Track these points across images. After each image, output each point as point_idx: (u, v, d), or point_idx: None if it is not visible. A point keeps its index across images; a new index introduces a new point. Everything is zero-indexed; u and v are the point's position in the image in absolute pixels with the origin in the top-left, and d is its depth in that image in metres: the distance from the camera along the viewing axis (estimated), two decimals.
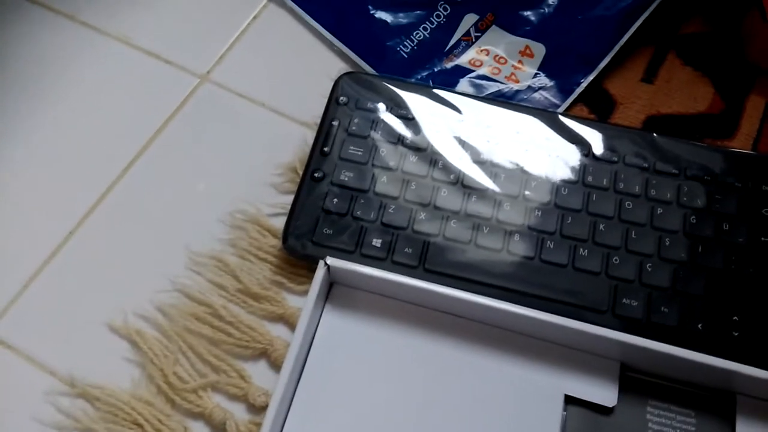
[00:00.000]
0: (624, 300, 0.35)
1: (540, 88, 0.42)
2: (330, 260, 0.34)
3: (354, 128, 0.39)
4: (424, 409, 0.32)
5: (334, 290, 0.35)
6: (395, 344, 0.34)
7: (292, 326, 0.36)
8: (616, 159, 0.38)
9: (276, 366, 0.35)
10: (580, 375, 0.33)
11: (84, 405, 0.34)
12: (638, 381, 0.33)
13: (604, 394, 0.33)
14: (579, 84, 0.42)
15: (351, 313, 0.35)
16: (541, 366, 0.33)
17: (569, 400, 0.33)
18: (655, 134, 0.39)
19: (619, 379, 0.33)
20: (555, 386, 0.33)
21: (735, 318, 0.34)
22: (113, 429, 0.33)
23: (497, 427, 0.32)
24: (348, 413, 0.32)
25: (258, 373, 0.34)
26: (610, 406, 0.32)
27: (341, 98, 0.40)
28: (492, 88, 0.42)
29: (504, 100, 0.42)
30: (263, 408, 0.33)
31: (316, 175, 0.38)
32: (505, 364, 0.33)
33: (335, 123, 0.40)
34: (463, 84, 0.43)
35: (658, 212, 0.37)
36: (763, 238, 0.36)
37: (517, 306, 0.33)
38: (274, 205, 0.39)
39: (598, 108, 0.42)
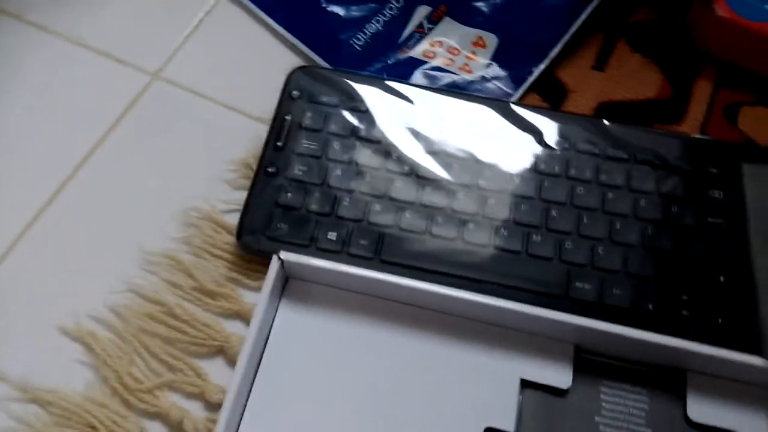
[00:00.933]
0: (577, 284, 0.35)
1: (493, 78, 0.43)
2: (283, 254, 0.33)
3: (307, 122, 0.39)
4: (382, 400, 0.33)
5: (289, 285, 0.35)
6: (352, 336, 0.34)
7: (248, 322, 0.35)
8: (567, 146, 0.39)
9: (233, 363, 0.34)
10: (535, 359, 0.33)
11: (36, 410, 0.33)
12: (592, 362, 0.34)
13: (559, 376, 0.33)
14: (531, 73, 0.43)
15: (307, 307, 0.34)
16: (496, 351, 0.34)
17: (525, 384, 0.33)
18: (605, 121, 0.40)
19: (574, 362, 0.33)
20: (511, 371, 0.33)
21: (684, 297, 0.35)
22: None
23: (456, 414, 0.32)
24: (306, 407, 0.32)
25: (215, 370, 0.34)
26: (565, 388, 0.33)
27: (294, 92, 0.40)
28: (446, 79, 0.43)
29: (457, 90, 0.42)
30: (220, 405, 0.33)
31: (269, 170, 0.38)
32: (461, 351, 0.34)
33: (288, 117, 0.39)
34: (417, 76, 0.43)
35: (609, 197, 0.37)
36: (709, 219, 0.37)
37: (471, 293, 0.33)
38: (228, 201, 0.39)
39: (550, 96, 0.43)
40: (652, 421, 0.32)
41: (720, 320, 0.34)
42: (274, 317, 0.34)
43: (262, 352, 0.33)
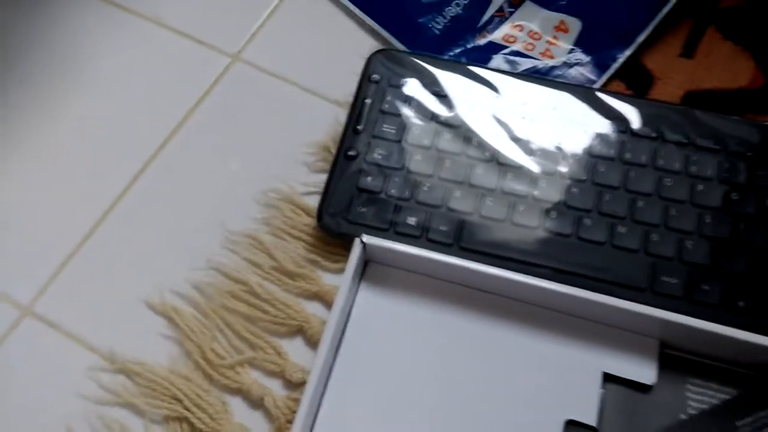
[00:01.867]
0: (663, 278, 0.34)
1: (576, 64, 0.42)
2: (366, 238, 0.33)
3: (387, 106, 0.39)
4: (459, 387, 0.32)
5: (369, 268, 0.35)
6: (431, 322, 0.34)
7: (327, 304, 0.36)
8: (654, 135, 0.38)
9: (312, 343, 0.35)
10: (618, 352, 0.33)
11: (124, 380, 0.34)
12: (678, 359, 0.33)
13: (643, 371, 0.32)
14: (616, 59, 0.41)
15: (386, 291, 0.34)
16: (578, 343, 0.33)
17: (608, 378, 0.32)
18: (694, 110, 0.38)
19: (659, 357, 0.32)
20: (593, 364, 0.32)
21: None
22: (153, 404, 0.33)
23: (535, 406, 0.32)
24: (384, 389, 0.32)
25: (294, 350, 0.35)
26: (650, 383, 0.32)
27: (374, 76, 0.40)
28: (526, 64, 0.42)
29: (539, 76, 0.41)
30: (300, 384, 0.33)
31: (349, 153, 0.38)
32: (542, 341, 0.33)
33: (368, 101, 0.39)
34: (497, 60, 0.42)
35: (699, 189, 0.36)
36: None
37: (554, 283, 0.32)
38: (308, 183, 0.39)
39: (635, 84, 0.41)
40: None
41: None
42: (354, 300, 0.34)
43: (342, 334, 0.33)
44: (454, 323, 0.34)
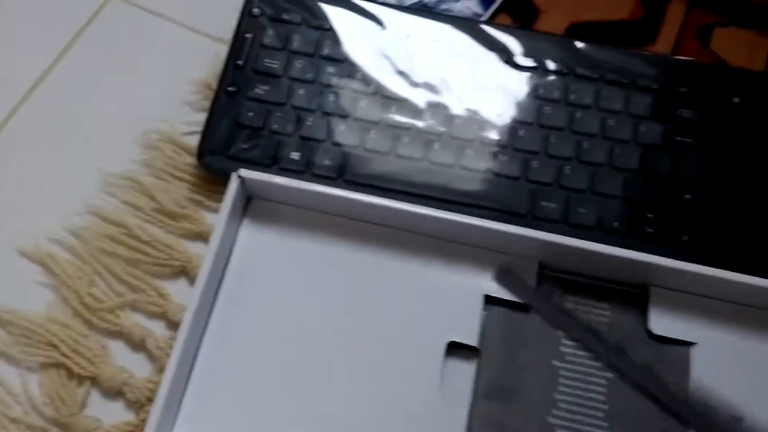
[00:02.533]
0: (543, 203, 0.35)
1: None
2: (243, 172, 0.33)
3: (268, 40, 0.38)
4: (345, 318, 0.33)
5: (252, 205, 0.35)
6: (315, 255, 0.34)
7: None
8: (536, 66, 0.38)
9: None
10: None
11: None
12: (555, 279, 0.34)
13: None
14: None
15: (269, 227, 0.34)
16: (460, 268, 0.34)
17: (489, 300, 0.33)
18: (575, 41, 0.39)
19: (537, 277, 0.33)
20: (474, 287, 0.33)
21: (650, 215, 0.35)
22: (28, 351, 0.32)
23: (419, 330, 0.32)
24: (269, 325, 0.32)
25: (178, 291, 0.34)
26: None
27: (254, 10, 0.39)
28: None
29: (425, 9, 0.41)
30: None
31: (230, 89, 0.37)
32: (424, 268, 0.34)
33: (249, 36, 0.38)
34: None
35: (577, 116, 0.37)
36: (678, 138, 0.36)
37: (434, 210, 0.33)
38: (190, 123, 0.38)
39: (520, 16, 0.42)
40: (613, 334, 0.33)
41: (685, 237, 0.34)
42: (236, 236, 0.34)
43: (224, 271, 0.33)
44: (338, 255, 0.34)
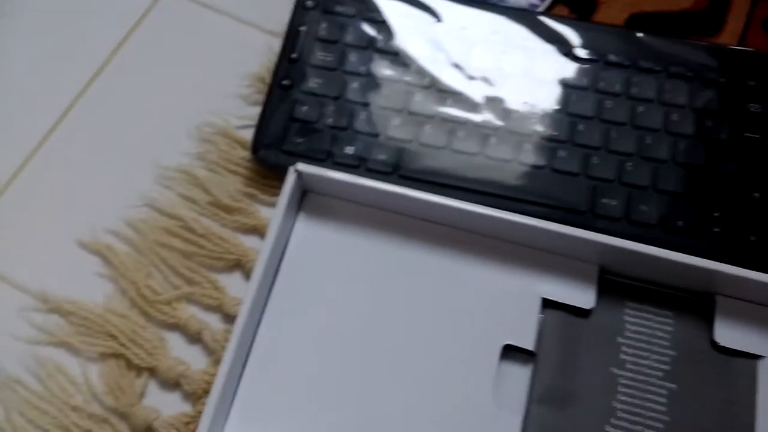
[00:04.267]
0: (603, 200, 0.34)
1: None
2: (300, 166, 0.32)
3: (322, 33, 0.38)
4: (399, 316, 0.32)
5: (307, 198, 0.34)
6: (370, 252, 0.33)
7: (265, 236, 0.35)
8: (596, 58, 0.37)
9: (250, 276, 0.34)
10: (558, 278, 0.32)
11: (58, 320, 0.33)
12: (617, 284, 0.33)
13: (582, 296, 0.32)
14: None
15: (325, 221, 0.34)
16: (518, 270, 0.33)
17: (547, 304, 0.32)
18: (637, 32, 0.38)
19: (598, 282, 0.32)
20: (532, 290, 0.32)
21: (716, 214, 0.33)
22: (88, 341, 0.32)
23: (474, 331, 0.32)
24: (322, 320, 0.32)
25: (232, 284, 0.34)
26: (588, 308, 0.32)
27: (308, 2, 0.38)
28: None
29: (480, 1, 0.40)
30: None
31: (284, 83, 0.37)
32: (481, 269, 0.33)
33: (303, 28, 0.38)
34: None
35: (640, 111, 0.36)
36: (746, 134, 0.35)
37: (492, 209, 0.32)
38: (243, 116, 0.38)
39: (579, 7, 0.40)
40: (676, 343, 0.31)
41: (752, 237, 0.33)
42: (291, 231, 0.34)
43: (279, 265, 0.33)
44: (392, 253, 0.33)
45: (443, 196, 0.32)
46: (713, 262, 0.30)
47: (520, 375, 0.31)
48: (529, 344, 0.31)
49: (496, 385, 0.31)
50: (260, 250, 0.34)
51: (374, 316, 0.32)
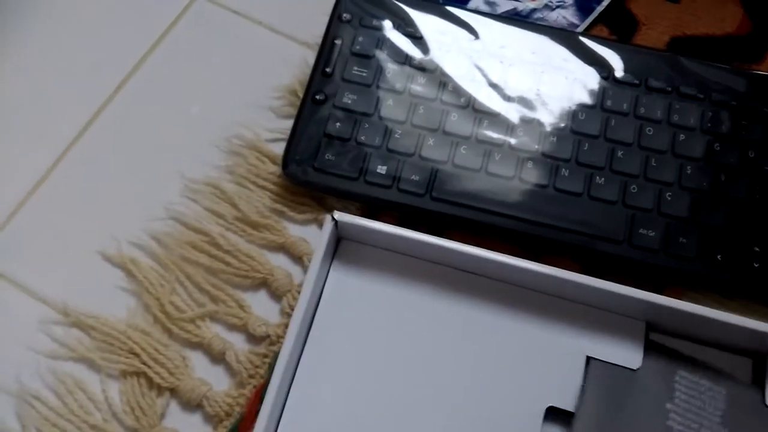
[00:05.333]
0: (641, 230, 0.33)
1: (558, 7, 0.39)
2: (338, 215, 0.31)
3: (358, 47, 0.37)
4: (435, 371, 0.30)
5: (342, 246, 0.33)
6: (406, 302, 0.32)
7: (292, 255, 0.34)
8: (637, 82, 0.36)
9: (276, 296, 0.33)
10: (603, 335, 0.31)
11: (79, 334, 0.33)
12: (662, 346, 0.31)
13: (628, 355, 0.30)
14: (599, 2, 0.39)
15: (360, 270, 0.32)
16: (561, 326, 0.31)
17: (591, 362, 0.30)
18: (679, 56, 0.37)
19: (645, 340, 0.31)
20: (576, 347, 0.31)
21: (756, 249, 0.32)
22: (109, 358, 0.32)
23: (515, 391, 0.30)
24: (357, 373, 0.30)
25: (258, 303, 0.33)
26: (635, 368, 0.30)
27: (344, 15, 0.38)
28: (506, 6, 0.40)
29: (519, 19, 0.39)
30: (263, 338, 0.32)
31: (317, 97, 0.36)
32: (522, 324, 0.31)
33: (338, 42, 0.37)
34: (476, 1, 0.40)
35: (680, 138, 0.35)
36: None
37: (534, 263, 0.30)
38: (274, 129, 0.37)
39: (619, 28, 0.39)
40: (729, 416, 0.29)
41: None
42: (326, 278, 0.32)
43: (314, 315, 0.31)
44: (430, 304, 0.32)
45: (481, 249, 0.31)
46: (763, 323, 0.29)
47: None
48: (573, 406, 0.30)
49: None
50: (288, 269, 0.34)
51: (410, 371, 0.30)
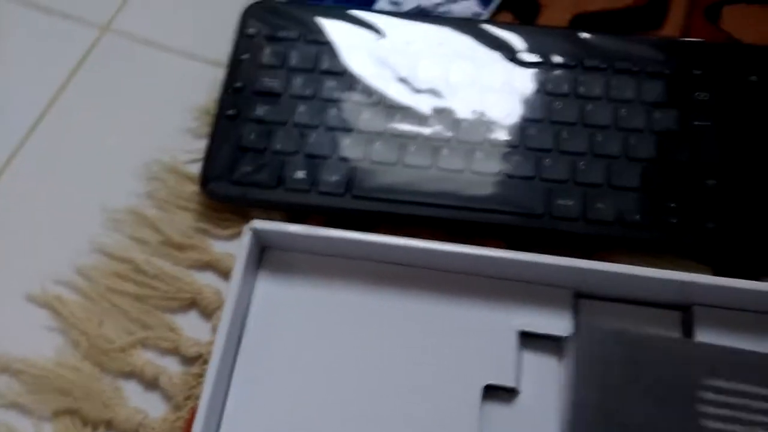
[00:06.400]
0: (559, 201, 0.33)
1: None
2: (256, 223, 0.31)
3: (266, 59, 0.37)
4: (374, 365, 0.30)
5: (267, 255, 0.33)
6: (338, 302, 0.32)
7: (220, 272, 0.34)
8: (542, 61, 0.37)
9: (206, 314, 0.33)
10: (533, 308, 0.31)
11: (8, 380, 0.32)
12: (593, 306, 0.31)
13: (559, 324, 0.31)
14: None
15: (287, 276, 0.32)
16: (490, 304, 0.31)
17: (524, 336, 0.31)
18: (579, 32, 0.38)
19: (573, 307, 0.31)
20: (507, 323, 0.31)
21: (672, 205, 0.33)
22: (40, 399, 0.31)
23: (452, 374, 0.30)
24: (294, 379, 0.30)
25: (189, 324, 0.33)
26: (565, 335, 0.31)
27: (249, 30, 0.38)
28: (411, 3, 0.40)
29: (424, 14, 0.40)
30: (196, 358, 0.32)
31: (230, 113, 0.36)
32: (452, 307, 0.31)
33: (245, 57, 0.37)
34: (381, 2, 0.40)
35: (588, 109, 0.35)
36: (695, 122, 0.35)
37: (456, 246, 0.30)
38: (192, 151, 0.37)
39: (522, 13, 0.40)
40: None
41: (710, 225, 0.33)
42: (253, 290, 0.32)
43: (243, 328, 0.31)
44: (361, 300, 0.32)
45: (404, 238, 0.31)
46: (686, 273, 0.30)
47: (503, 414, 0.30)
48: (509, 381, 0.30)
49: (481, 428, 0.29)
50: (216, 286, 0.33)
51: (348, 368, 0.30)
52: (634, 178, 0.34)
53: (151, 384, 0.31)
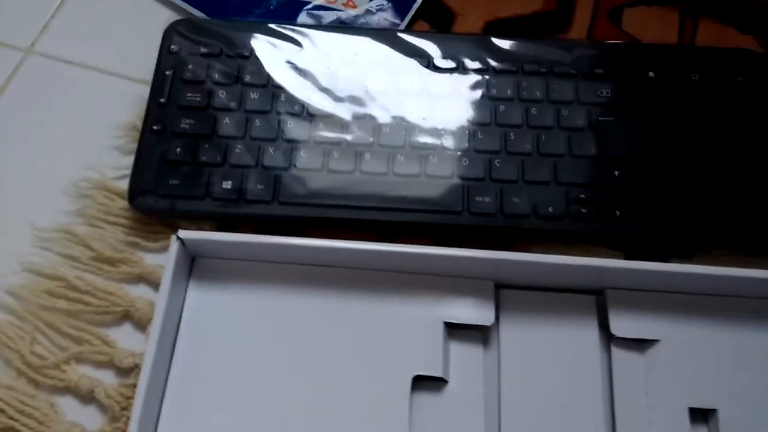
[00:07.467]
0: (477, 198, 0.35)
1: (378, 10, 0.42)
2: (182, 233, 0.32)
3: (189, 75, 0.38)
4: (306, 366, 0.31)
5: (196, 264, 0.33)
6: (269, 306, 0.33)
7: (152, 284, 0.34)
8: (456, 66, 0.39)
9: (140, 326, 0.33)
10: (456, 300, 0.33)
11: None
12: (513, 295, 0.33)
13: (482, 314, 0.32)
14: (415, 0, 0.42)
15: (218, 283, 0.33)
16: (416, 298, 0.33)
17: (449, 327, 0.32)
18: (491, 37, 0.40)
19: (495, 297, 0.33)
20: (433, 315, 0.32)
21: (582, 196, 0.35)
22: None
23: (382, 368, 0.31)
24: (230, 384, 0.31)
25: (124, 336, 0.33)
26: (488, 324, 0.32)
27: (173, 47, 0.39)
28: (331, 16, 0.42)
29: (343, 26, 0.41)
30: (131, 369, 0.32)
31: (155, 128, 0.37)
32: (379, 304, 0.33)
33: (168, 73, 0.38)
34: (302, 17, 0.42)
35: (501, 110, 0.37)
36: (600, 118, 0.37)
37: (380, 244, 0.32)
38: (120, 167, 0.38)
39: (437, 21, 0.42)
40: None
41: (618, 212, 0.35)
42: (184, 299, 0.33)
43: (175, 338, 0.32)
44: (291, 303, 0.33)
45: (330, 240, 0.32)
46: (597, 259, 0.32)
47: (432, 403, 0.31)
48: (437, 371, 0.31)
49: (411, 418, 0.30)
50: (150, 297, 0.34)
51: (282, 369, 0.31)
52: (546, 173, 0.36)
53: (87, 398, 0.32)
